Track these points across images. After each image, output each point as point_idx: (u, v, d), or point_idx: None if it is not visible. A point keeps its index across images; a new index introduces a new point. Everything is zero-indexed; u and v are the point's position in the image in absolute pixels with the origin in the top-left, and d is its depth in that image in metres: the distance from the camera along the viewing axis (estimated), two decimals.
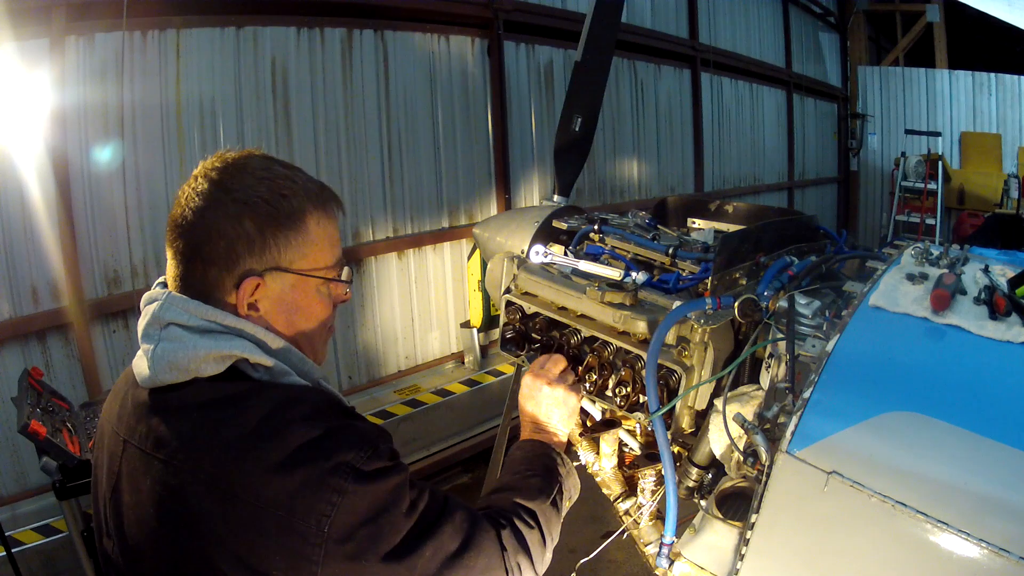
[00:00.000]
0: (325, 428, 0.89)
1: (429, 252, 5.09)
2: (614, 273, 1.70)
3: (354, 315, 4.65)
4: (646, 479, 1.83)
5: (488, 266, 1.99)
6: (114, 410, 1.05)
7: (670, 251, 1.71)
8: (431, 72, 4.95)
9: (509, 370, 4.83)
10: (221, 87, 3.89)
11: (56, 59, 3.24)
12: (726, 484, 1.43)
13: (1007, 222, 8.84)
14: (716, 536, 1.33)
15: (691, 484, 1.53)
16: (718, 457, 1.45)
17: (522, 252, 2.01)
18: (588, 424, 1.96)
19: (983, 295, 1.27)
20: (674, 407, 1.42)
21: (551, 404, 1.34)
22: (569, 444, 2.06)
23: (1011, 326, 1.20)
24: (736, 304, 1.39)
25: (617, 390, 1.50)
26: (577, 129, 2.47)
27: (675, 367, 1.41)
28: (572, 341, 1.63)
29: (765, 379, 1.43)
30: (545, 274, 1.75)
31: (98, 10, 3.36)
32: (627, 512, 1.89)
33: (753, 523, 1.17)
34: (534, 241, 2.02)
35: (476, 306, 4.87)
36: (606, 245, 1.90)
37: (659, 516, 1.83)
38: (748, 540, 1.18)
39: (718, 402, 1.39)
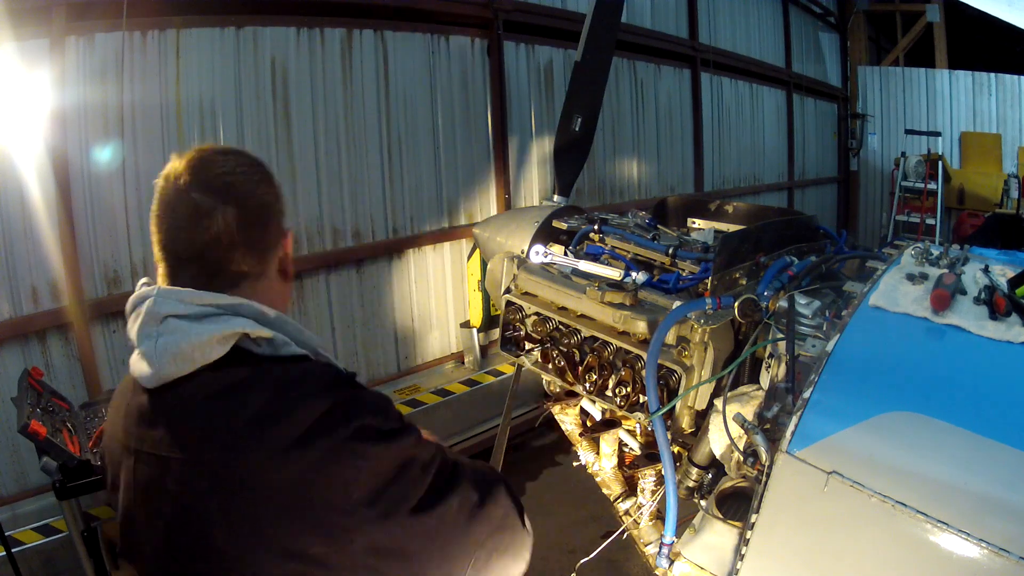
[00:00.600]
0: (333, 400, 0.90)
1: (429, 252, 5.09)
2: (614, 273, 1.70)
3: (354, 315, 4.65)
4: (646, 479, 1.84)
5: (488, 266, 1.99)
6: (118, 425, 1.02)
7: (670, 251, 1.71)
8: (431, 72, 4.95)
9: (509, 370, 4.83)
10: (221, 87, 3.89)
11: (56, 59, 3.24)
12: (726, 484, 1.43)
13: (1007, 222, 8.84)
14: (716, 536, 1.33)
15: (691, 484, 1.53)
16: (718, 457, 1.45)
17: (522, 252, 2.01)
18: (588, 424, 1.96)
19: (983, 295, 1.27)
20: (674, 407, 1.42)
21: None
22: (568, 444, 2.06)
23: (1011, 326, 1.20)
24: (736, 304, 1.39)
25: (617, 390, 1.50)
26: (577, 129, 2.47)
27: (675, 367, 1.41)
28: (572, 341, 1.63)
29: (765, 379, 1.43)
30: (545, 274, 1.75)
31: (98, 10, 3.36)
32: (627, 512, 1.89)
33: (753, 523, 1.17)
34: (534, 241, 2.02)
35: (476, 306, 4.87)
36: (606, 245, 1.90)
37: (659, 516, 1.84)
38: (748, 540, 1.18)
39: (718, 402, 1.39)
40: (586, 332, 1.59)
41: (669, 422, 1.44)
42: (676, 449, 1.63)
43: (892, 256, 1.54)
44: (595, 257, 1.90)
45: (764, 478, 1.16)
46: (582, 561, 1.89)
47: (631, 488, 1.92)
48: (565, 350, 1.64)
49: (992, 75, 10.30)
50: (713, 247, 1.75)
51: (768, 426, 1.25)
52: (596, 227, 1.92)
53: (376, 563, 0.89)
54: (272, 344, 0.96)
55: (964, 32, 10.65)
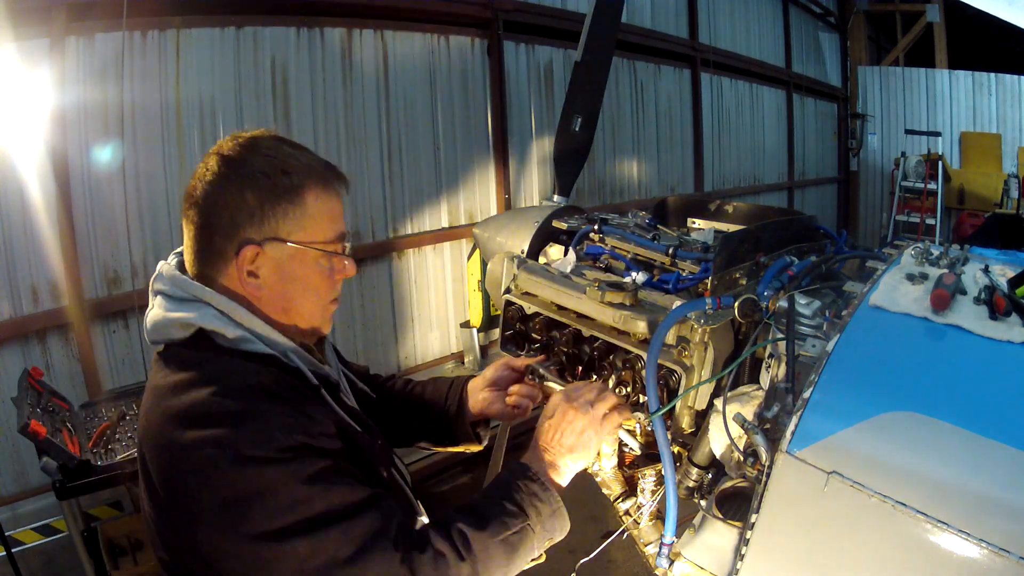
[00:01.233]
0: (233, 407, 0.94)
1: (429, 252, 5.09)
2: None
3: (354, 314, 4.65)
4: (646, 479, 1.83)
5: (488, 266, 1.99)
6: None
7: (670, 251, 1.71)
8: (431, 72, 4.95)
9: None
10: (221, 87, 3.89)
11: (56, 59, 3.25)
12: (726, 484, 1.43)
13: (1007, 222, 8.84)
14: (716, 536, 1.33)
15: (691, 484, 1.53)
16: (718, 457, 1.45)
17: (522, 252, 2.01)
18: None
19: (983, 295, 1.27)
20: (674, 407, 1.42)
21: (569, 438, 1.16)
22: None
23: (1011, 326, 1.20)
24: (736, 304, 1.39)
25: (617, 390, 1.50)
26: (577, 129, 2.47)
27: (675, 367, 1.41)
28: (572, 341, 1.63)
29: (765, 379, 1.43)
30: (545, 274, 1.75)
31: (98, 10, 3.36)
32: (627, 512, 1.89)
33: (753, 523, 1.17)
34: (535, 241, 2.02)
35: (476, 306, 4.87)
36: (606, 245, 1.90)
37: (659, 516, 1.83)
38: (748, 540, 1.18)
39: (718, 402, 1.39)
40: (586, 332, 1.59)
41: (669, 422, 1.44)
42: (676, 449, 1.63)
43: (892, 256, 1.54)
44: (595, 257, 1.90)
45: (764, 478, 1.16)
46: (582, 561, 1.88)
47: (631, 488, 1.92)
48: (566, 350, 1.64)
49: (992, 75, 10.30)
50: (713, 247, 1.74)
51: (768, 426, 1.25)
52: (596, 227, 1.92)
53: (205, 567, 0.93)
54: (233, 341, 1.02)
55: (964, 32, 10.65)
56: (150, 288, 1.10)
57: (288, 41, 4.16)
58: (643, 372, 1.41)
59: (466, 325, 5.06)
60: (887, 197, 10.40)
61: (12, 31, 3.07)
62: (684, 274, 1.67)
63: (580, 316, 1.62)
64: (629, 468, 1.93)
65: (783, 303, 1.39)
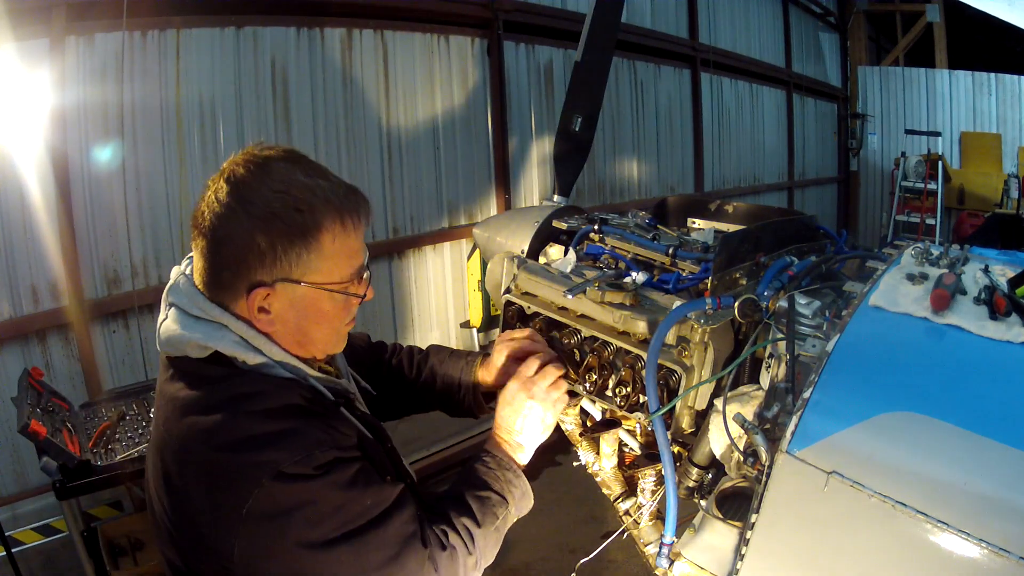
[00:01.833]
0: (272, 429, 0.96)
1: (429, 252, 5.09)
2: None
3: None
4: (646, 479, 1.83)
5: (488, 266, 1.99)
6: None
7: (670, 251, 1.71)
8: (431, 72, 4.95)
9: None
10: (221, 87, 3.89)
11: (56, 59, 3.24)
12: (726, 484, 1.43)
13: (1007, 222, 8.85)
14: (716, 536, 1.33)
15: (691, 484, 1.53)
16: (718, 457, 1.45)
17: (522, 252, 2.01)
18: (588, 424, 1.96)
19: (983, 295, 1.27)
20: (674, 407, 1.42)
21: (528, 419, 1.27)
22: (568, 444, 2.06)
23: (1011, 326, 1.20)
24: (736, 304, 1.39)
25: (617, 390, 1.50)
26: (577, 129, 2.47)
27: (675, 367, 1.41)
28: (572, 341, 1.63)
29: (765, 379, 1.43)
30: (545, 274, 1.75)
31: (98, 10, 3.35)
32: (627, 512, 1.89)
33: (753, 523, 1.17)
34: (535, 241, 2.02)
35: (476, 306, 4.86)
36: (606, 245, 1.90)
37: (659, 516, 1.84)
38: (748, 540, 1.18)
39: (718, 402, 1.39)
40: (586, 332, 1.59)
41: (669, 422, 1.44)
42: (676, 449, 1.63)
43: (892, 256, 1.54)
44: (595, 257, 1.90)
45: (764, 478, 1.16)
46: (582, 561, 1.89)
47: (631, 488, 1.92)
48: (566, 350, 1.64)
49: (992, 75, 10.30)
50: (713, 247, 1.74)
51: (768, 426, 1.25)
52: (596, 227, 1.92)
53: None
54: (255, 366, 1.02)
55: (964, 32, 10.65)
56: (164, 297, 1.08)
57: (288, 41, 4.16)
58: (643, 372, 1.41)
59: (466, 325, 5.06)
60: (887, 197, 10.40)
61: (12, 31, 3.07)
62: (684, 274, 1.67)
63: (580, 316, 1.62)
64: (629, 468, 1.93)
65: (783, 303, 1.39)
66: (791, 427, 1.14)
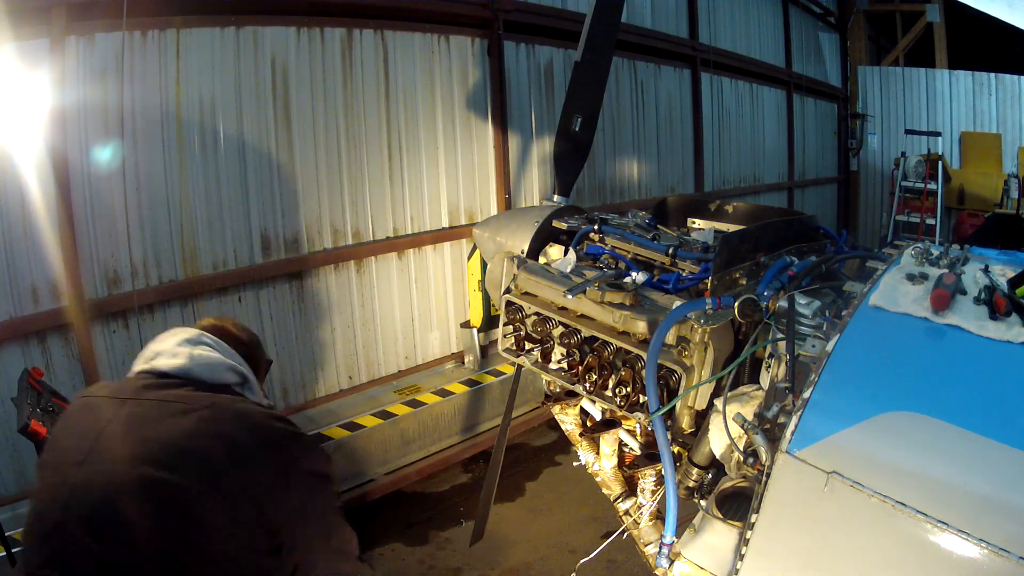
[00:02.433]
0: (284, 429, 1.33)
1: (429, 252, 5.09)
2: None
3: (354, 315, 4.66)
4: (646, 479, 1.84)
5: (488, 266, 1.99)
6: (104, 394, 1.42)
7: (670, 251, 1.71)
8: (431, 72, 4.95)
9: (509, 370, 4.83)
10: (221, 87, 3.89)
11: (56, 59, 3.24)
12: (726, 484, 1.43)
13: (1007, 222, 8.85)
14: (716, 536, 1.33)
15: (691, 484, 1.53)
16: (718, 457, 1.45)
17: (522, 252, 2.01)
18: (588, 424, 1.96)
19: (983, 295, 1.27)
20: (674, 407, 1.42)
21: None
22: (568, 444, 2.06)
23: (1011, 326, 1.20)
24: (736, 304, 1.39)
25: (617, 390, 1.50)
26: (577, 129, 2.47)
27: (675, 367, 1.41)
28: (571, 341, 1.63)
29: (765, 379, 1.43)
30: (545, 274, 1.75)
31: (98, 10, 3.36)
32: (627, 512, 1.89)
33: (753, 523, 1.17)
34: (535, 241, 2.03)
35: (476, 306, 4.87)
36: (606, 245, 1.90)
37: (659, 516, 1.84)
38: (748, 540, 1.18)
39: (718, 402, 1.39)
40: (586, 332, 1.59)
41: (669, 422, 1.44)
42: (676, 449, 1.63)
43: (892, 256, 1.54)
44: (595, 257, 1.90)
45: (764, 478, 1.16)
46: (582, 561, 1.89)
47: (631, 488, 1.92)
48: (566, 350, 1.64)
49: (992, 75, 10.30)
50: (713, 247, 1.75)
51: (768, 426, 1.26)
52: (596, 227, 1.92)
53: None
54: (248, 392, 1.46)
55: (964, 32, 10.66)
56: (185, 338, 1.43)
57: (288, 41, 4.16)
58: (643, 372, 1.41)
59: (466, 325, 5.06)
60: (887, 197, 10.39)
61: (12, 31, 3.07)
62: (684, 274, 1.67)
63: (580, 316, 1.62)
64: (629, 468, 1.93)
65: (783, 303, 1.39)
66: (791, 427, 1.14)
